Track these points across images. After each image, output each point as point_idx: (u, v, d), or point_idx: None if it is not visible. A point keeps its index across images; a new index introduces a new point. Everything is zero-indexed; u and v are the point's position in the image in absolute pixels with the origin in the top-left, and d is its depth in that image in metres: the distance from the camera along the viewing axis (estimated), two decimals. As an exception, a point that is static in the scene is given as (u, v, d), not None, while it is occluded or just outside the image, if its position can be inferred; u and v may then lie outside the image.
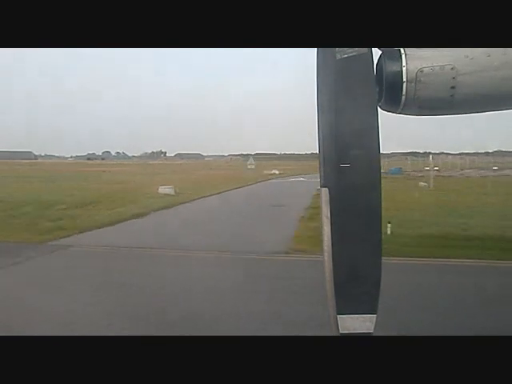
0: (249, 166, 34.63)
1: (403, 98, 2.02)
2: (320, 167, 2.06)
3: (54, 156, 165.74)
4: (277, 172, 50.12)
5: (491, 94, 1.99)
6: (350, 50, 1.90)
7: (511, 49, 1.90)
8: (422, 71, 1.96)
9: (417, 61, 1.96)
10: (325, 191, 1.98)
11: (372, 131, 1.93)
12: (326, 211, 1.97)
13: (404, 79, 1.98)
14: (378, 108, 2.05)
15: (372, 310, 1.95)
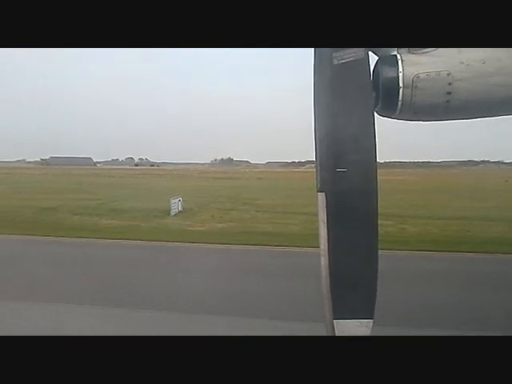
0: None
1: (399, 103, 2.03)
2: (316, 172, 2.06)
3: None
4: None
5: (486, 99, 2.01)
6: (347, 55, 1.91)
7: (506, 56, 1.92)
8: (418, 77, 1.97)
9: (413, 67, 1.98)
10: (321, 196, 1.98)
11: (368, 136, 1.94)
12: (322, 216, 1.97)
13: (400, 85, 1.99)
14: (375, 113, 2.06)
15: (368, 315, 1.94)
